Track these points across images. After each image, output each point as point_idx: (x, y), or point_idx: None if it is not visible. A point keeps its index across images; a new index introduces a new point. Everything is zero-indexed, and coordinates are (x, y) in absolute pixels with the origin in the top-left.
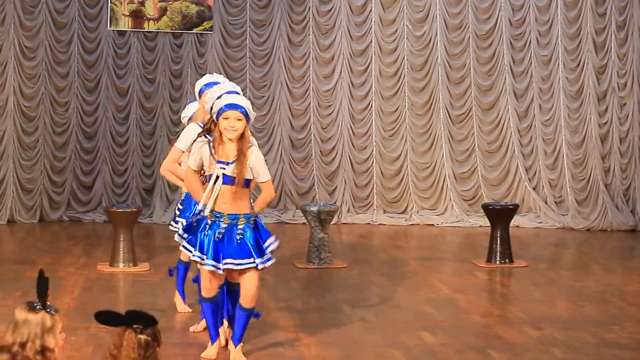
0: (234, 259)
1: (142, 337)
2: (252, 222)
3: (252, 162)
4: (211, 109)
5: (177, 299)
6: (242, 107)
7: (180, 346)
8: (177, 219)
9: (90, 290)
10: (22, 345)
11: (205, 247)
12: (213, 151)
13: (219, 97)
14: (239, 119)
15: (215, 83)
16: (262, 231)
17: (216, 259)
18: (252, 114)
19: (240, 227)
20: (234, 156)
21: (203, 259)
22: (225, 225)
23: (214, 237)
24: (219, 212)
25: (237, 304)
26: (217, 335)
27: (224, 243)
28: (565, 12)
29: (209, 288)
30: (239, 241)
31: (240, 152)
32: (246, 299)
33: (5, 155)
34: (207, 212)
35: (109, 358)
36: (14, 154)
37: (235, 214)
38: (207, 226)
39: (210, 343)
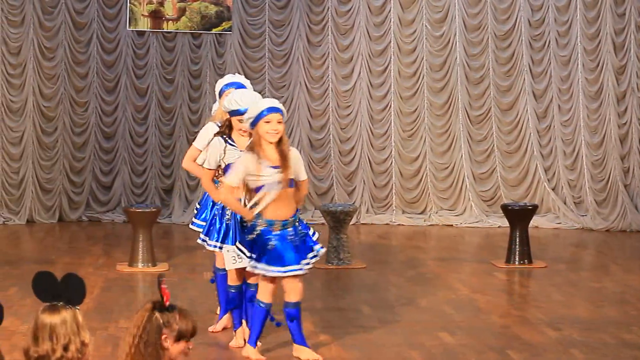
0: (305, 259)
1: (157, 315)
2: (298, 220)
3: (293, 160)
4: (230, 112)
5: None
6: (281, 110)
7: (200, 346)
8: (194, 220)
9: (109, 290)
10: (66, 347)
11: (289, 255)
12: (259, 157)
13: (241, 108)
14: (279, 122)
15: (236, 83)
16: (302, 225)
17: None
18: (286, 116)
19: (298, 227)
20: (275, 159)
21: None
22: (278, 232)
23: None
24: (273, 220)
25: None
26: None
27: (296, 246)
28: (585, 13)
29: (271, 291)
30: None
31: (282, 154)
32: (297, 293)
33: (24, 155)
34: (257, 219)
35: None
36: (34, 154)
37: (287, 219)
38: (271, 241)
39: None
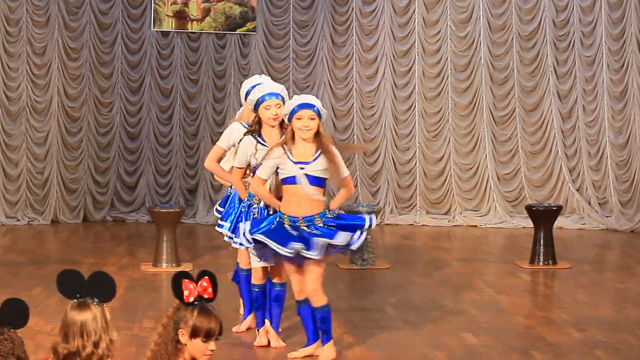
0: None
1: (181, 308)
2: (332, 216)
3: (331, 159)
4: (255, 103)
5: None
6: (315, 105)
7: (224, 346)
8: (221, 222)
9: (133, 290)
10: (96, 344)
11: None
12: (284, 152)
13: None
14: (311, 118)
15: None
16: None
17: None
18: (324, 112)
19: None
20: (302, 155)
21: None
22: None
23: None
24: (295, 217)
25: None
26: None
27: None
28: (609, 13)
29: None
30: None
31: (322, 148)
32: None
33: (49, 155)
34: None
35: None
36: (58, 155)
37: (310, 216)
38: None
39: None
